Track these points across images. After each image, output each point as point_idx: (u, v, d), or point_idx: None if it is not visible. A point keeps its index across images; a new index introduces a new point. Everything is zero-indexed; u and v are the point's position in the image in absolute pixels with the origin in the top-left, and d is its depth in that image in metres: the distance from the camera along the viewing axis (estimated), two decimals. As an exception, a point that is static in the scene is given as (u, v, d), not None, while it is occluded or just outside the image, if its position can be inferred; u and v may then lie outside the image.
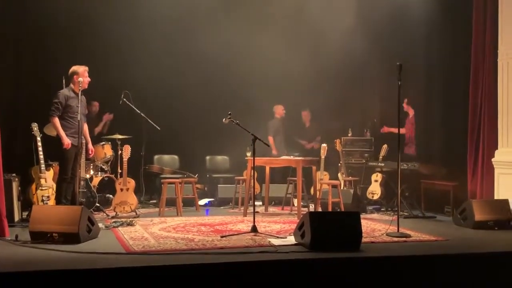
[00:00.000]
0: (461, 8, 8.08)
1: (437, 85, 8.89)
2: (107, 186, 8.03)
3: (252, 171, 6.72)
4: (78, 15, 8.88)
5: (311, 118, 10.01)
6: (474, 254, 5.05)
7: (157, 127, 8.33)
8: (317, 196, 7.77)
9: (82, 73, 6.63)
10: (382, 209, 8.26)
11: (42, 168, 6.93)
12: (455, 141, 8.36)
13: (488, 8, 7.45)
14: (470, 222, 6.52)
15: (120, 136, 8.38)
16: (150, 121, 8.32)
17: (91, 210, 7.03)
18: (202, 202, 8.77)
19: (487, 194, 7.30)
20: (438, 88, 8.87)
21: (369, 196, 8.48)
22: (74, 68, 6.68)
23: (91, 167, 7.92)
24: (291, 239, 5.37)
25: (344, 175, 8.96)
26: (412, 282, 4.58)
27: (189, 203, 8.24)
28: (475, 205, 6.54)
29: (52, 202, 6.87)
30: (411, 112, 8.88)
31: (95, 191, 7.48)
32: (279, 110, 9.79)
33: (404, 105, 8.88)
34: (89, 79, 6.70)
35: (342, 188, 8.26)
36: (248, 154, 8.22)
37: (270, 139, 9.42)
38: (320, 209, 7.69)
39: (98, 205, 7.41)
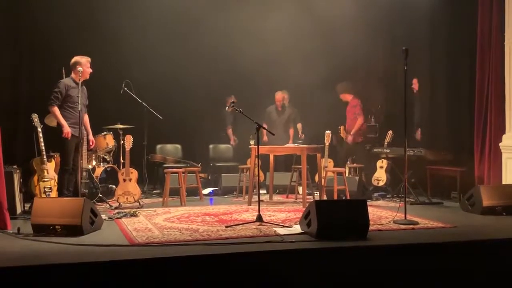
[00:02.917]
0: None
1: (442, 70, 8.75)
2: (110, 177, 7.96)
3: (256, 159, 6.64)
4: (78, 4, 8.79)
5: (288, 103, 9.58)
6: (483, 241, 4.96)
7: (159, 116, 8.24)
8: (322, 184, 7.69)
9: (84, 64, 6.57)
10: (388, 196, 8.19)
11: (43, 159, 6.87)
12: (461, 126, 8.26)
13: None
14: (478, 208, 6.44)
15: (122, 126, 8.30)
16: (152, 110, 8.23)
17: (94, 201, 6.98)
18: (206, 191, 8.72)
19: (495, 179, 7.21)
20: (443, 72, 8.74)
21: (375, 182, 8.40)
22: (77, 58, 6.61)
23: (93, 157, 7.86)
24: (297, 228, 5.30)
25: (348, 162, 8.88)
26: (421, 270, 4.50)
27: (193, 192, 8.18)
28: (482, 190, 6.45)
29: (54, 193, 6.81)
30: (349, 98, 8.92)
31: (97, 181, 7.41)
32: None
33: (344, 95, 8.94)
34: (90, 70, 6.65)
35: (346, 175, 8.17)
36: (252, 142, 8.14)
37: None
38: (325, 197, 7.61)
39: (101, 196, 7.34)
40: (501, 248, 4.81)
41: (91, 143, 7.02)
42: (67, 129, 6.44)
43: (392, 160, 8.30)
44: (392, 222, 5.77)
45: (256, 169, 6.79)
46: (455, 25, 8.38)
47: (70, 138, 6.48)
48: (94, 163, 7.86)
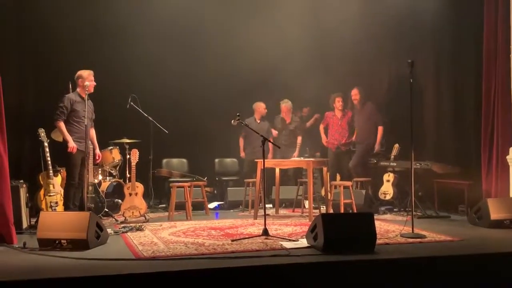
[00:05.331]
0: (472, 0, 7.92)
1: (448, 82, 8.74)
2: (116, 191, 7.96)
3: (262, 173, 6.62)
4: (83, 19, 8.87)
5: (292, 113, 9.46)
6: (491, 254, 4.93)
7: (165, 130, 8.27)
8: (329, 198, 7.65)
9: (87, 77, 6.61)
10: (395, 210, 8.13)
11: (50, 173, 6.89)
12: (468, 139, 8.21)
13: (499, 0, 7.29)
14: (485, 221, 6.39)
15: (128, 140, 8.32)
16: (158, 124, 8.26)
17: (100, 215, 6.98)
18: (212, 205, 8.69)
19: (502, 193, 7.14)
20: (449, 84, 8.72)
21: (381, 196, 8.34)
22: (80, 72, 6.69)
23: (99, 172, 7.88)
24: (303, 242, 5.27)
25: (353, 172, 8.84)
26: (429, 284, 4.46)
27: (199, 206, 8.15)
28: (490, 203, 6.41)
29: (60, 208, 6.82)
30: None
31: (103, 196, 7.41)
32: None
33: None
34: (94, 83, 6.65)
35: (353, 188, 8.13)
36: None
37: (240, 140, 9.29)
38: (332, 211, 7.57)
39: (106, 210, 7.34)
40: (509, 261, 4.76)
41: (97, 158, 7.03)
42: (72, 144, 6.47)
43: (399, 173, 8.26)
44: (399, 235, 5.72)
45: (262, 183, 6.77)
46: (460, 36, 8.36)
47: (76, 153, 6.50)
48: (100, 177, 7.87)
